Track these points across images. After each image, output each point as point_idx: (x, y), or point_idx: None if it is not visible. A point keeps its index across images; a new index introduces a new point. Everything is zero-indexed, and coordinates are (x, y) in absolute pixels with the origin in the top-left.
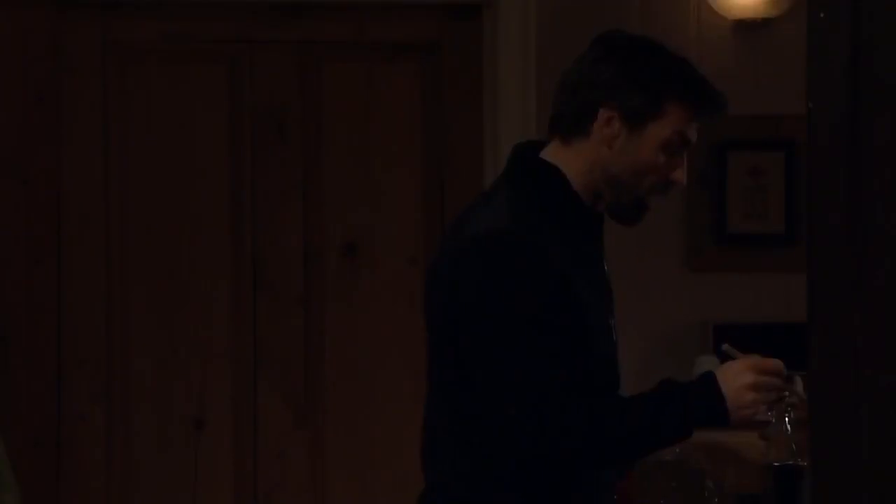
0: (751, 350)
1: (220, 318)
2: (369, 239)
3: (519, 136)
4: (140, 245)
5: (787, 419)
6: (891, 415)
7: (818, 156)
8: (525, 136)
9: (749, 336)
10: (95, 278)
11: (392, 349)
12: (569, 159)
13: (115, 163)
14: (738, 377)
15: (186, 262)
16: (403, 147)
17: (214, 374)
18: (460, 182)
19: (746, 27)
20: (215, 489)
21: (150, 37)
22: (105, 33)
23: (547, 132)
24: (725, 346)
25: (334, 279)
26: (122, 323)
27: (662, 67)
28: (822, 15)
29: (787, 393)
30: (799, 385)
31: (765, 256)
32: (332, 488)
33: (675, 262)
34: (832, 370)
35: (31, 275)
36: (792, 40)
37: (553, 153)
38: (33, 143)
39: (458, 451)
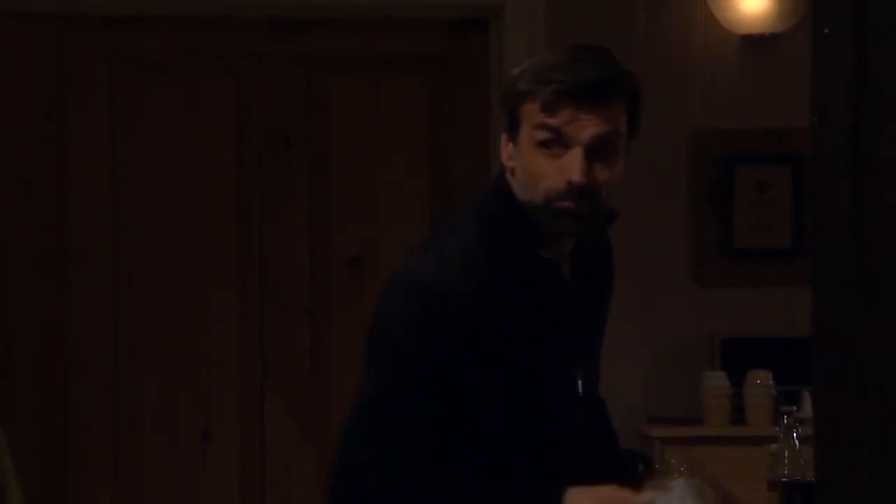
0: (755, 365)
1: (227, 330)
2: (375, 251)
3: None
4: (147, 257)
5: (794, 434)
6: None
7: (822, 170)
8: None
9: (756, 351)
10: (102, 290)
11: None
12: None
13: (122, 176)
14: None
15: (193, 274)
16: (409, 160)
17: (221, 386)
18: (466, 195)
19: (754, 42)
20: (222, 501)
21: (157, 51)
22: (111, 47)
23: None
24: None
25: (341, 291)
26: (128, 334)
27: (517, 75)
28: (826, 30)
29: (794, 408)
30: (807, 400)
31: (772, 270)
32: None
33: (681, 276)
34: (837, 384)
35: (37, 285)
36: (799, 55)
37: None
38: (40, 156)
39: None
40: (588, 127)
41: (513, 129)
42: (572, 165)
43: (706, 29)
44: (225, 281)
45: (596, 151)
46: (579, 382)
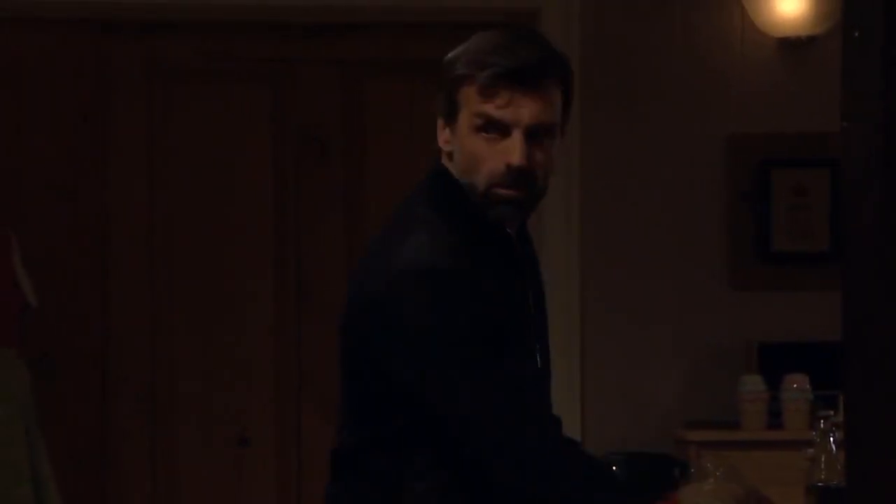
0: (792, 369)
1: (264, 336)
2: None
3: (560, 153)
4: (184, 262)
5: (831, 439)
6: None
7: (852, 173)
8: (569, 156)
9: (793, 355)
10: (140, 295)
11: None
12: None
13: (160, 181)
14: None
15: (230, 280)
16: None
17: (258, 392)
18: None
19: (791, 45)
20: None
21: (193, 56)
22: (148, 53)
23: None
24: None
25: None
26: (166, 340)
27: (452, 59)
28: (856, 34)
29: (831, 412)
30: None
31: (809, 274)
32: None
33: (718, 280)
34: (867, 388)
35: (76, 292)
36: (836, 58)
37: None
38: (79, 163)
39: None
40: (526, 110)
41: (451, 113)
42: (512, 149)
43: (742, 32)
44: (261, 286)
45: (534, 135)
46: (537, 357)
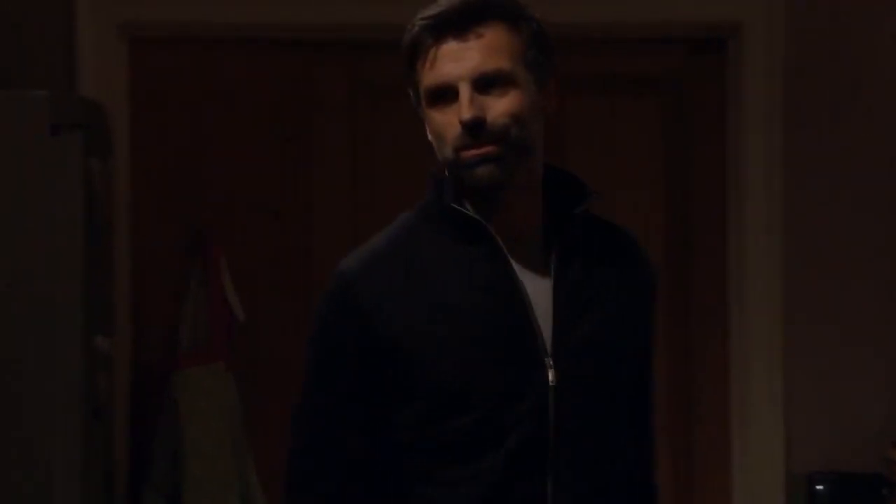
0: None
1: None
2: None
3: (763, 170)
4: None
5: None
6: None
7: None
8: (770, 170)
9: None
10: None
11: None
12: None
13: (363, 201)
14: None
15: None
16: (646, 181)
17: None
18: (703, 216)
19: None
20: None
21: (399, 75)
22: (354, 72)
23: None
24: None
25: None
26: None
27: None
28: None
29: None
30: None
31: None
32: None
33: (882, 293)
34: None
35: (281, 307)
36: None
37: None
38: (286, 179)
39: None
40: (463, 63)
41: (417, 102)
42: (460, 106)
43: None
44: None
45: (489, 85)
46: (550, 371)
